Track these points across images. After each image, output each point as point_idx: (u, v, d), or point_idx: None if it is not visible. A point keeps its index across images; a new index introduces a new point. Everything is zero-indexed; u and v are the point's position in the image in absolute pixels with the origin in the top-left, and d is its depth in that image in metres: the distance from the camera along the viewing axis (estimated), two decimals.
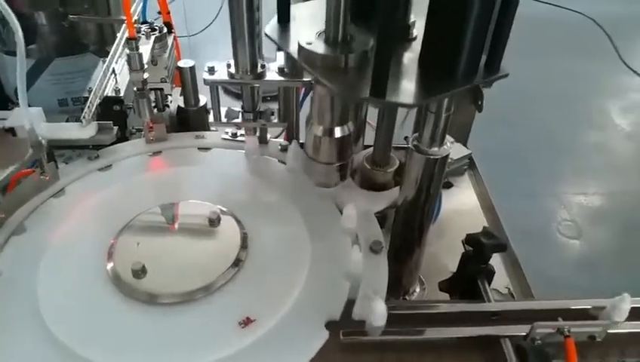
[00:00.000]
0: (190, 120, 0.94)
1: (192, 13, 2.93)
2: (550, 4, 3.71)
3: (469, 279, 0.70)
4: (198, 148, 0.88)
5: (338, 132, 0.73)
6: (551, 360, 0.56)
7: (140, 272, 0.65)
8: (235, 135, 0.90)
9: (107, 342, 0.61)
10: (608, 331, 0.60)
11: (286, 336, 0.61)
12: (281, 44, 0.68)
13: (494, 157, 2.17)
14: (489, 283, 0.69)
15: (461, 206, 1.11)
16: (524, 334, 0.60)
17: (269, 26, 0.71)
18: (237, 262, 0.68)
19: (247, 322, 0.62)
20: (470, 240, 0.70)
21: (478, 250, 0.68)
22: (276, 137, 0.99)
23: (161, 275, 0.67)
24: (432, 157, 0.71)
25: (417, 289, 0.89)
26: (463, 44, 0.59)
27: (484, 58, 0.63)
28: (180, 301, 0.64)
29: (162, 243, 0.72)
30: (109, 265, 0.68)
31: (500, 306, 0.65)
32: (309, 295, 0.66)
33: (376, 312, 0.59)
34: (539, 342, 0.60)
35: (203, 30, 2.84)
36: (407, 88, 0.61)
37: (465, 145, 1.19)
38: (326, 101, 0.69)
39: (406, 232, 0.80)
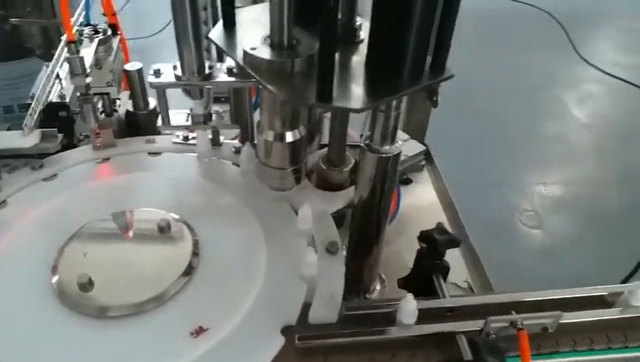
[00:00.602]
0: (140, 124, 0.92)
1: (150, 14, 2.87)
2: None
3: (424, 276, 0.70)
4: (148, 153, 0.86)
5: (289, 136, 0.72)
6: (504, 354, 0.56)
7: (86, 285, 0.63)
8: (186, 138, 0.87)
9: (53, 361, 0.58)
10: (560, 322, 0.61)
11: (240, 344, 0.60)
12: (227, 50, 0.66)
13: (456, 151, 2.21)
14: (444, 279, 0.69)
15: (420, 201, 1.11)
16: (479, 329, 0.60)
17: (214, 30, 0.69)
18: (188, 270, 0.66)
19: (199, 331, 0.60)
20: (424, 236, 0.70)
21: (432, 246, 0.68)
22: (233, 139, 0.97)
23: (110, 287, 0.64)
24: (384, 155, 0.70)
25: (378, 287, 0.88)
26: (407, 45, 0.58)
27: (430, 60, 0.62)
28: (129, 313, 0.62)
29: (110, 253, 0.69)
30: (54, 279, 0.65)
31: (453, 302, 0.65)
32: (264, 300, 0.65)
33: (406, 310, 0.59)
34: (493, 336, 0.60)
35: (161, 31, 2.79)
36: (355, 92, 0.60)
37: (422, 140, 1.20)
38: (275, 106, 0.68)
39: (363, 231, 0.80)
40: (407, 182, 1.16)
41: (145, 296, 0.63)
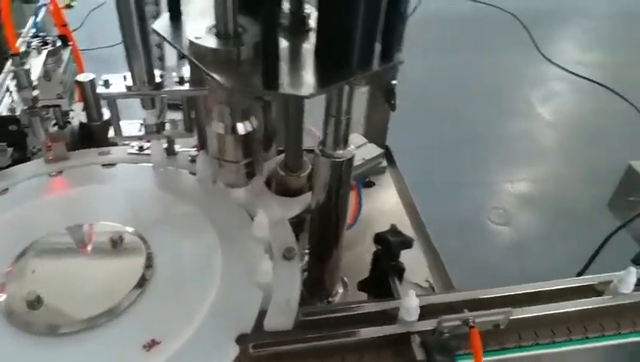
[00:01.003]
0: (94, 135, 0.90)
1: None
2: (475, 0, 3.85)
3: (381, 277, 0.70)
4: (102, 165, 0.84)
5: (241, 128, 0.71)
6: (454, 352, 0.57)
7: (34, 302, 0.61)
8: (141, 148, 0.86)
9: None
10: (510, 318, 0.62)
11: (193, 356, 0.59)
12: (171, 40, 0.65)
13: (424, 152, 2.24)
14: (400, 280, 0.70)
15: (383, 204, 1.12)
16: (433, 328, 0.61)
17: (159, 22, 0.67)
18: (141, 283, 0.65)
19: (151, 345, 0.59)
20: (378, 238, 0.70)
21: (387, 248, 0.68)
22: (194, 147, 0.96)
23: (60, 303, 0.63)
24: (337, 159, 0.70)
25: (340, 290, 0.88)
26: (354, 33, 0.58)
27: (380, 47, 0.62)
28: (79, 329, 0.61)
29: (61, 269, 0.68)
30: (1, 298, 0.63)
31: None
32: (218, 309, 0.64)
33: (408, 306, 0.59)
34: (447, 334, 0.61)
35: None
36: (304, 79, 0.60)
37: (383, 144, 1.21)
38: (223, 97, 0.67)
39: (322, 235, 0.80)
40: (370, 185, 1.17)
41: (96, 311, 0.61)
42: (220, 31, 0.63)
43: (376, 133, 1.19)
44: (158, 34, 0.66)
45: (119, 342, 0.60)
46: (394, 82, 1.11)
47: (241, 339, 0.61)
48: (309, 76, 0.61)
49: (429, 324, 0.61)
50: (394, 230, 0.70)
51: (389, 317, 0.63)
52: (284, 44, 0.63)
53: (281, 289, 0.66)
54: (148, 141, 0.86)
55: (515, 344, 0.61)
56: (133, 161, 0.86)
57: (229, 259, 0.70)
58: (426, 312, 0.63)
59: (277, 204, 0.79)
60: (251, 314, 0.64)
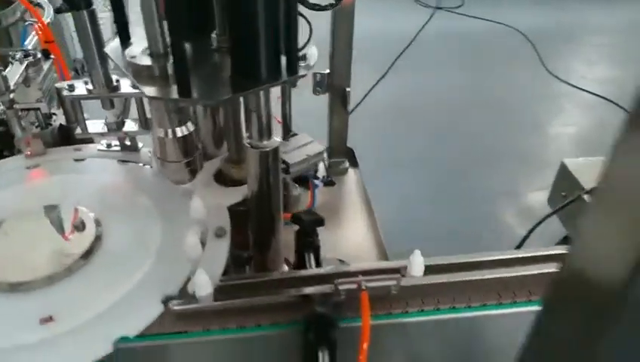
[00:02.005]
0: (72, 136, 1.03)
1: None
2: (482, 18, 3.92)
3: (299, 253, 0.79)
4: (75, 160, 0.97)
5: (179, 132, 0.82)
6: (339, 308, 0.65)
7: None
8: (109, 145, 0.98)
9: None
10: (402, 285, 0.70)
11: (125, 312, 0.70)
12: (117, 61, 0.77)
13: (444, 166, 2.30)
14: (315, 256, 0.78)
15: (341, 202, 1.21)
16: (331, 292, 0.69)
17: (110, 46, 0.80)
18: (86, 255, 0.76)
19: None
20: (295, 218, 0.79)
21: (301, 226, 0.77)
22: None
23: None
24: (263, 149, 0.80)
25: (285, 269, 0.97)
26: (258, 51, 0.68)
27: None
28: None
29: (16, 241, 0.79)
30: None
31: (314, 271, 0.74)
32: (151, 278, 0.75)
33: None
34: (343, 297, 0.69)
35: None
36: (218, 88, 0.71)
37: (344, 145, 1.30)
38: (159, 106, 0.79)
39: (260, 221, 0.89)
40: (331, 183, 1.26)
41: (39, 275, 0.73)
42: (152, 51, 0.75)
43: (338, 136, 1.29)
44: (107, 55, 0.79)
45: (58, 300, 0.71)
46: (348, 89, 1.21)
47: (166, 300, 0.71)
48: (222, 85, 0.71)
49: (327, 288, 0.70)
50: (308, 211, 0.79)
51: (298, 283, 0.72)
52: (213, 60, 0.75)
53: (208, 261, 0.76)
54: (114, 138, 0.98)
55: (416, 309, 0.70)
56: (102, 156, 0.98)
57: (167, 238, 0.81)
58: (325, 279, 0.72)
59: (219, 193, 0.90)
60: (178, 282, 0.74)
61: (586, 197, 0.86)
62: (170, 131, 0.82)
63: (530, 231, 1.00)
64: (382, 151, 2.38)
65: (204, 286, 0.69)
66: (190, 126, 0.82)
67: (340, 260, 0.91)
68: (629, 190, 0.33)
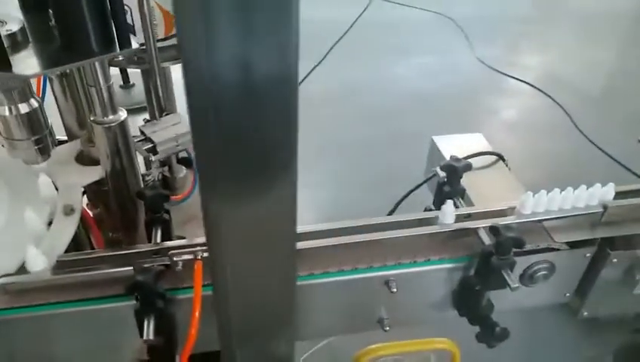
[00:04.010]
0: None
1: None
2: (415, 7, 4.00)
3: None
4: None
5: (22, 108, 0.81)
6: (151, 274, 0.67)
7: None
8: None
9: None
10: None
11: None
12: None
13: None
14: (166, 231, 0.79)
15: None
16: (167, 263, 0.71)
17: None
18: None
19: None
20: (138, 193, 0.80)
21: (145, 201, 0.78)
22: None
23: None
24: (108, 125, 0.80)
25: None
26: (83, 24, 0.68)
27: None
28: None
29: None
30: None
31: (154, 246, 0.75)
32: None
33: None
34: (180, 268, 0.71)
35: None
36: (35, 62, 0.70)
37: None
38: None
39: (119, 200, 0.90)
40: None
41: None
42: None
43: None
44: None
45: None
46: None
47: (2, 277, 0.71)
48: (43, 58, 0.71)
49: (166, 260, 0.71)
50: (152, 186, 0.80)
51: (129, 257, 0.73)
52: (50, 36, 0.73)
53: (51, 238, 0.76)
54: None
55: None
56: None
57: (15, 215, 0.80)
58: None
59: (75, 172, 0.89)
60: (18, 259, 0.73)
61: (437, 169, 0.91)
62: (13, 108, 0.80)
63: (400, 202, 1.04)
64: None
65: (33, 260, 0.69)
66: (34, 102, 0.81)
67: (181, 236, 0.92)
68: None
